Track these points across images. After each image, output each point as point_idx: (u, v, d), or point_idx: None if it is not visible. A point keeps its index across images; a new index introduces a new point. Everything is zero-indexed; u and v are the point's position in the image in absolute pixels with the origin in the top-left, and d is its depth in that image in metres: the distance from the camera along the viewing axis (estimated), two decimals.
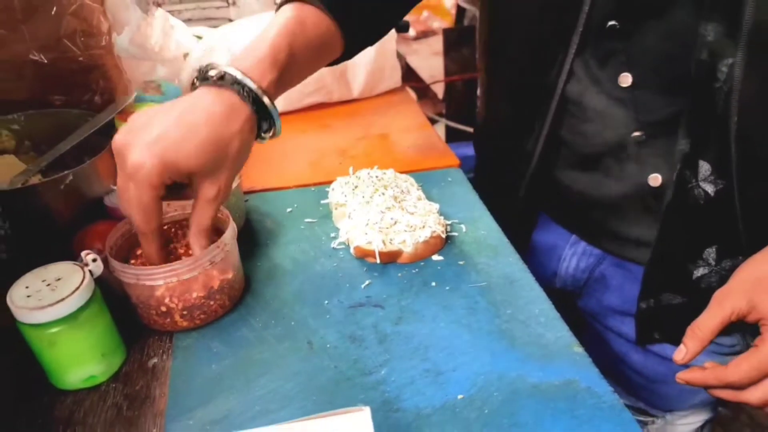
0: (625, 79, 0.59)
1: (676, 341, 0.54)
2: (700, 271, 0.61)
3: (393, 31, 1.01)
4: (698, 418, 0.75)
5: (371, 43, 0.71)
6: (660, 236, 0.61)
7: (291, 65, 0.56)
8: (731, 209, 0.56)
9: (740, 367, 0.50)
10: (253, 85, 0.52)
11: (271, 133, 0.56)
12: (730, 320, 0.51)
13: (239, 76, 0.52)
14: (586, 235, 0.73)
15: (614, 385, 0.52)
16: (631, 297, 0.68)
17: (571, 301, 0.79)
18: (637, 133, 0.61)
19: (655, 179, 0.62)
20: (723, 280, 0.55)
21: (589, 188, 0.68)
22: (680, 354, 0.52)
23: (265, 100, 0.53)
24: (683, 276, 0.62)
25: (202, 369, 0.54)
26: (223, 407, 0.50)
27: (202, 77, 0.53)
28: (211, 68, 0.53)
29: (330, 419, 0.41)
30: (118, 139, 0.50)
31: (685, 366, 0.53)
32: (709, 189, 0.56)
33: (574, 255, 0.74)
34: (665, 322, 0.66)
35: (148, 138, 0.48)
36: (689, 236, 0.60)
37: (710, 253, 0.59)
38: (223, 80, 0.52)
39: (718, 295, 0.53)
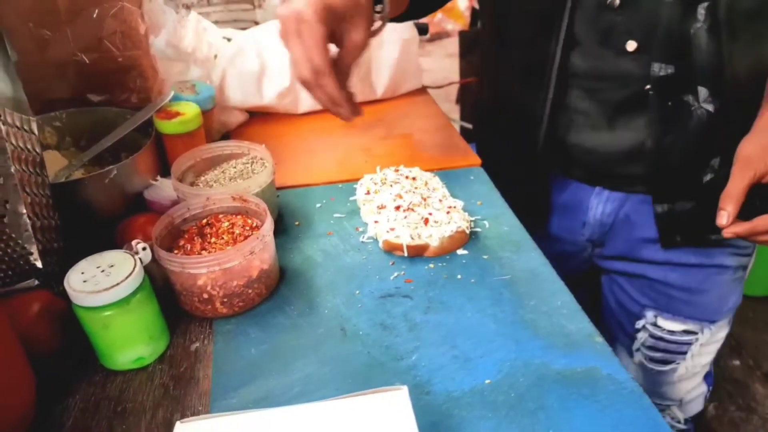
0: (631, 45, 0.66)
1: (697, 243, 0.72)
2: (708, 177, 0.70)
3: (416, 32, 1.04)
4: (724, 333, 0.85)
5: (425, 15, 0.82)
6: (664, 148, 0.70)
7: None
8: (729, 123, 0.66)
9: None
10: None
11: (381, 9, 0.65)
12: (752, 182, 0.60)
13: None
14: (605, 184, 0.79)
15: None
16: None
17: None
18: (647, 87, 0.67)
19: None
20: (724, 182, 0.63)
21: (600, 145, 0.74)
22: (722, 218, 0.60)
23: None
24: (694, 182, 0.71)
25: (242, 353, 0.57)
26: (264, 388, 0.53)
27: None
28: None
29: (370, 397, 0.44)
30: (282, 8, 0.60)
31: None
32: (710, 108, 0.66)
33: (599, 203, 0.80)
34: (683, 226, 0.75)
35: None
36: (698, 149, 0.69)
37: (715, 161, 0.69)
38: None
39: (738, 166, 0.61)
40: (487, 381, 0.53)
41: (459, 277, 0.65)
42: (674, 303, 0.81)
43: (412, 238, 0.67)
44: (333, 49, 0.63)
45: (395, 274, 0.66)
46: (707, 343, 0.83)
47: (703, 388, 0.88)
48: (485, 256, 0.68)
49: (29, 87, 0.82)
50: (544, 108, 0.74)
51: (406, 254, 0.67)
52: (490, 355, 0.55)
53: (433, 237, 0.67)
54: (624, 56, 0.67)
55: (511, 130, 0.83)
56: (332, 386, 0.53)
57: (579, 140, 0.75)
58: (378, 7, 0.65)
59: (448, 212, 0.70)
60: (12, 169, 0.56)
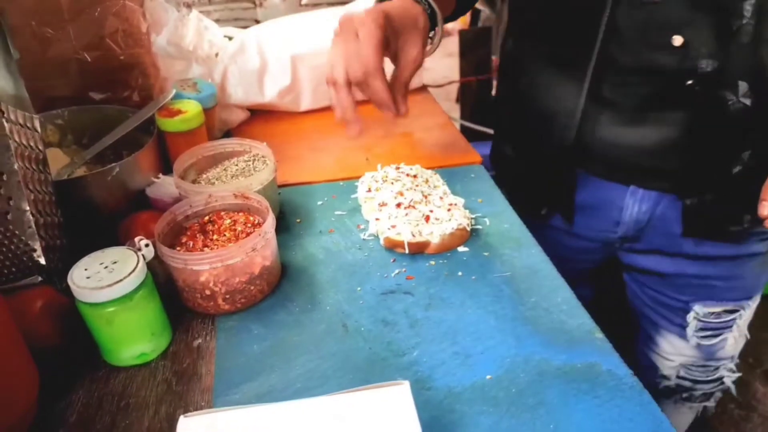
0: (677, 41, 0.65)
1: (722, 235, 0.75)
2: (737, 169, 0.70)
3: None
4: (759, 297, 0.89)
5: (462, 14, 0.88)
6: (697, 142, 0.70)
7: None
8: (764, 116, 0.66)
9: None
10: None
11: (432, 36, 0.73)
12: None
13: None
14: (635, 181, 0.79)
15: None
16: None
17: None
18: (690, 82, 0.67)
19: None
20: (753, 173, 0.66)
21: (631, 139, 0.74)
22: (765, 208, 0.60)
23: (432, 4, 0.71)
24: (723, 174, 0.71)
25: (244, 349, 0.57)
26: (266, 384, 0.53)
27: None
28: None
29: (371, 392, 0.44)
30: (345, 15, 0.66)
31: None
32: (747, 102, 0.66)
33: (635, 202, 0.80)
34: (709, 218, 0.76)
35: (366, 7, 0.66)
36: (730, 142, 0.70)
37: (746, 154, 0.70)
38: None
39: None
40: (488, 377, 0.53)
41: (460, 274, 0.65)
42: (716, 291, 0.84)
43: (413, 236, 0.67)
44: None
45: (396, 271, 0.66)
46: (749, 312, 0.88)
47: (746, 334, 0.93)
48: (486, 253, 0.68)
49: (31, 85, 0.83)
50: (578, 102, 0.74)
51: (407, 251, 0.67)
52: (491, 351, 0.56)
53: (434, 234, 0.67)
54: (666, 50, 0.66)
55: (539, 126, 0.82)
56: (334, 382, 0.53)
57: (609, 135, 0.75)
58: (431, 33, 0.72)
59: (449, 209, 0.70)
60: (15, 166, 0.56)
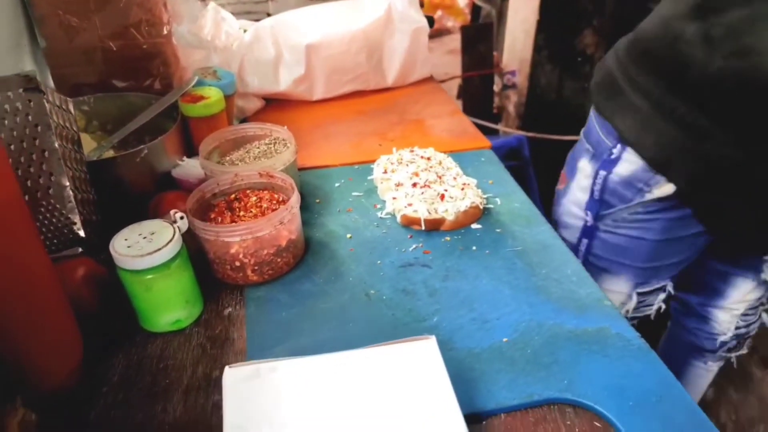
0: None
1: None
2: None
3: (426, 21, 1.08)
4: None
5: None
6: None
7: None
8: None
9: None
10: None
11: None
12: None
13: None
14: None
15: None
16: None
17: None
18: None
19: None
20: None
21: None
22: None
23: None
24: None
25: (273, 316, 0.60)
26: (296, 347, 0.57)
27: None
28: None
29: (400, 345, 0.48)
30: None
31: None
32: None
33: None
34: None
35: None
36: None
37: None
38: None
39: None
40: (504, 339, 0.56)
41: (474, 248, 0.69)
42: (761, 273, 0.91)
43: (429, 213, 0.70)
44: None
45: (413, 246, 0.69)
46: None
47: None
48: (498, 230, 0.72)
49: (58, 72, 0.87)
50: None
51: (423, 228, 0.71)
52: (506, 317, 0.59)
53: (449, 212, 0.71)
54: None
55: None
56: (361, 344, 0.55)
57: None
58: None
59: (462, 189, 0.73)
60: (56, 144, 0.60)
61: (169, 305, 0.58)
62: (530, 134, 1.82)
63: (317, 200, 0.79)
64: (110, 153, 0.80)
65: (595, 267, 0.88)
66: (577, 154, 0.87)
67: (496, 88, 2.29)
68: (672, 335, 1.09)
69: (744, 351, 1.04)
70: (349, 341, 0.57)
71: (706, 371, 1.06)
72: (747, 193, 0.72)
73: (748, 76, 0.64)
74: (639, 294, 0.88)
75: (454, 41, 2.51)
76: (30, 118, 0.59)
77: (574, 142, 0.90)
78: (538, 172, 1.69)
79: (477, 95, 2.31)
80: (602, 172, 0.80)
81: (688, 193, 0.75)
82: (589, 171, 0.83)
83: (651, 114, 0.72)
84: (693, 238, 0.81)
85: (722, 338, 0.99)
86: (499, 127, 2.20)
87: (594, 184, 0.82)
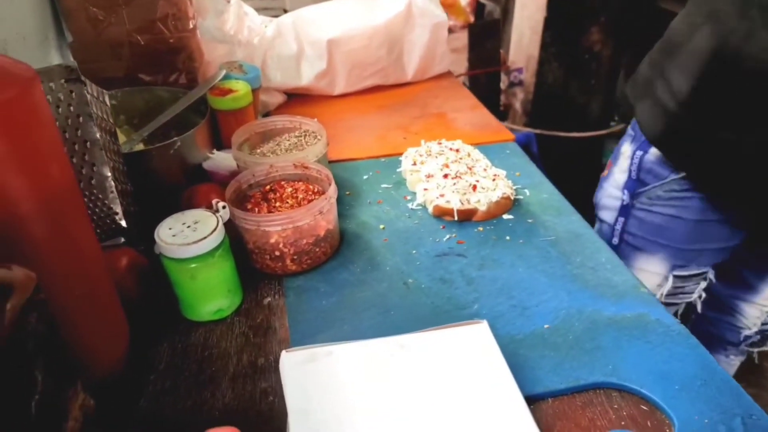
0: None
1: None
2: None
3: (446, 16, 1.08)
4: None
5: None
6: None
7: None
8: None
9: None
10: None
11: None
12: None
13: None
14: None
15: None
16: None
17: None
18: None
19: None
20: None
21: None
22: None
23: None
24: None
25: (313, 305, 0.61)
26: (339, 334, 0.57)
27: None
28: None
29: (452, 330, 0.48)
30: None
31: None
32: None
33: None
34: None
35: None
36: None
37: None
38: None
39: None
40: (546, 326, 0.57)
41: (507, 238, 0.69)
42: None
43: (462, 204, 0.71)
44: None
45: (447, 236, 0.70)
46: None
47: None
48: (530, 220, 0.72)
49: (85, 66, 0.87)
50: None
51: (456, 218, 0.71)
52: (545, 305, 0.60)
53: (481, 202, 0.71)
54: None
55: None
56: (404, 332, 0.56)
57: None
58: None
59: (493, 179, 0.74)
60: (97, 135, 0.60)
61: (212, 294, 0.58)
62: (537, 131, 1.83)
63: (347, 192, 0.79)
64: (140, 146, 0.80)
65: (631, 246, 0.89)
66: (622, 141, 0.91)
67: (502, 85, 2.29)
68: (694, 326, 1.10)
69: (766, 348, 1.05)
70: (392, 329, 0.57)
71: (728, 365, 1.07)
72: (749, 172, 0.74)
73: None
74: (676, 277, 0.88)
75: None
76: (72, 108, 0.59)
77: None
78: (545, 169, 1.70)
79: (483, 93, 2.31)
80: (639, 152, 0.83)
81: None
82: (629, 153, 0.87)
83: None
84: (732, 225, 0.82)
85: (746, 332, 1.00)
86: (506, 124, 2.20)
87: (631, 164, 0.85)
